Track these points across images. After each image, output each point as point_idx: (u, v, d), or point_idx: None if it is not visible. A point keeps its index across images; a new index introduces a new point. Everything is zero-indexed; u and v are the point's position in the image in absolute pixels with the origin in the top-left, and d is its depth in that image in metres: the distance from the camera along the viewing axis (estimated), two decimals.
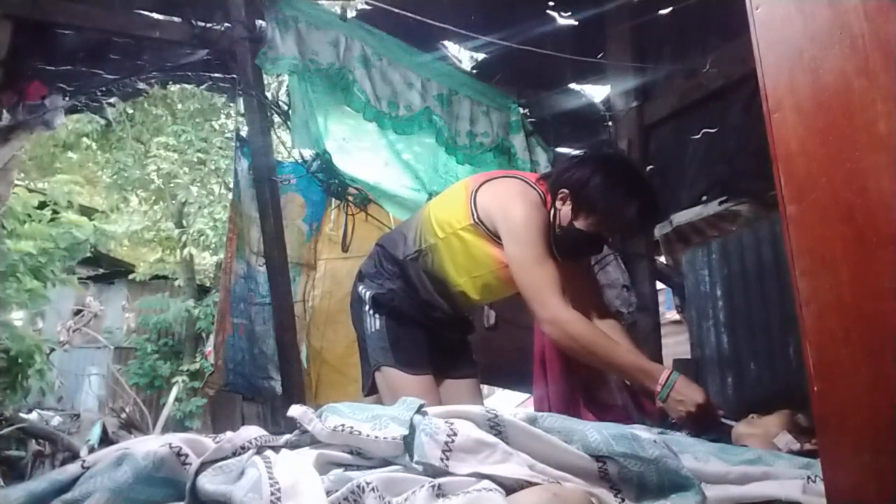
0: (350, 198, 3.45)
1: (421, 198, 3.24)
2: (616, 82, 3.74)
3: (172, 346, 10.43)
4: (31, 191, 7.08)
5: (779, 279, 2.85)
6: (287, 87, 3.11)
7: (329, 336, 3.57)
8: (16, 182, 4.83)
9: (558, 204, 1.90)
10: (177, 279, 10.48)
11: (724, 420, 1.75)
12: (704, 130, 3.36)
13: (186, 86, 4.67)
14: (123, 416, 7.71)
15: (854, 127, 0.81)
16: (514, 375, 3.43)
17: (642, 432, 1.09)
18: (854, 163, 0.80)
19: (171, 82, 3.58)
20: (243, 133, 3.31)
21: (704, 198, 3.40)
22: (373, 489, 0.92)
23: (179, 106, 9.35)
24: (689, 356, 3.36)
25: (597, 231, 1.88)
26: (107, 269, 11.32)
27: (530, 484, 0.96)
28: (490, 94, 3.65)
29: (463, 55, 3.98)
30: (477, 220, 1.89)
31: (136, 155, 9.44)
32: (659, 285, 3.81)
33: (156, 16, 3.07)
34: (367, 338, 2.02)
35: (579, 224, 1.87)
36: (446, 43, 3.71)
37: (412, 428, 1.04)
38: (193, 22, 3.01)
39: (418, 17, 3.09)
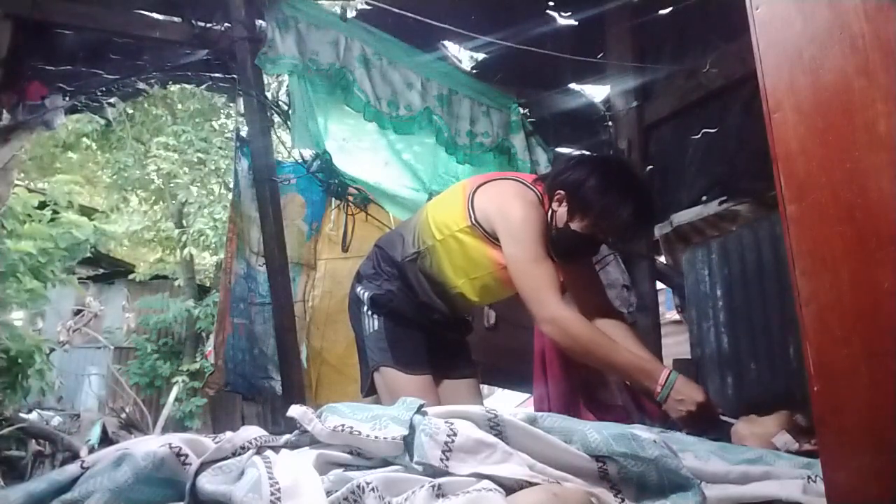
0: (350, 198, 3.45)
1: (421, 198, 3.24)
2: (616, 82, 3.74)
3: (172, 346, 10.43)
4: (31, 191, 7.09)
5: (779, 279, 2.85)
6: (287, 87, 3.11)
7: (329, 336, 3.57)
8: (16, 182, 4.83)
9: (555, 205, 1.90)
10: (177, 279, 10.47)
11: (723, 418, 1.75)
12: (704, 130, 3.36)
13: (186, 86, 4.68)
14: (123, 416, 7.72)
15: (854, 127, 0.81)
16: (514, 375, 3.43)
17: (642, 432, 1.09)
18: (854, 163, 0.80)
19: (171, 82, 3.59)
20: (243, 133, 3.31)
21: (704, 198, 3.39)
22: (373, 489, 0.92)
23: (179, 106, 9.35)
24: (689, 356, 3.35)
25: (592, 232, 1.88)
26: (107, 269, 11.33)
27: (530, 484, 0.96)
28: (490, 94, 3.65)
29: (463, 55, 3.98)
30: (474, 222, 1.89)
31: (136, 155, 9.44)
32: (659, 285, 3.81)
33: (156, 16, 3.07)
34: (366, 338, 2.02)
35: (575, 225, 1.86)
36: (446, 43, 3.70)
37: (412, 428, 1.04)
38: (193, 22, 3.01)
39: (418, 17, 3.09)
